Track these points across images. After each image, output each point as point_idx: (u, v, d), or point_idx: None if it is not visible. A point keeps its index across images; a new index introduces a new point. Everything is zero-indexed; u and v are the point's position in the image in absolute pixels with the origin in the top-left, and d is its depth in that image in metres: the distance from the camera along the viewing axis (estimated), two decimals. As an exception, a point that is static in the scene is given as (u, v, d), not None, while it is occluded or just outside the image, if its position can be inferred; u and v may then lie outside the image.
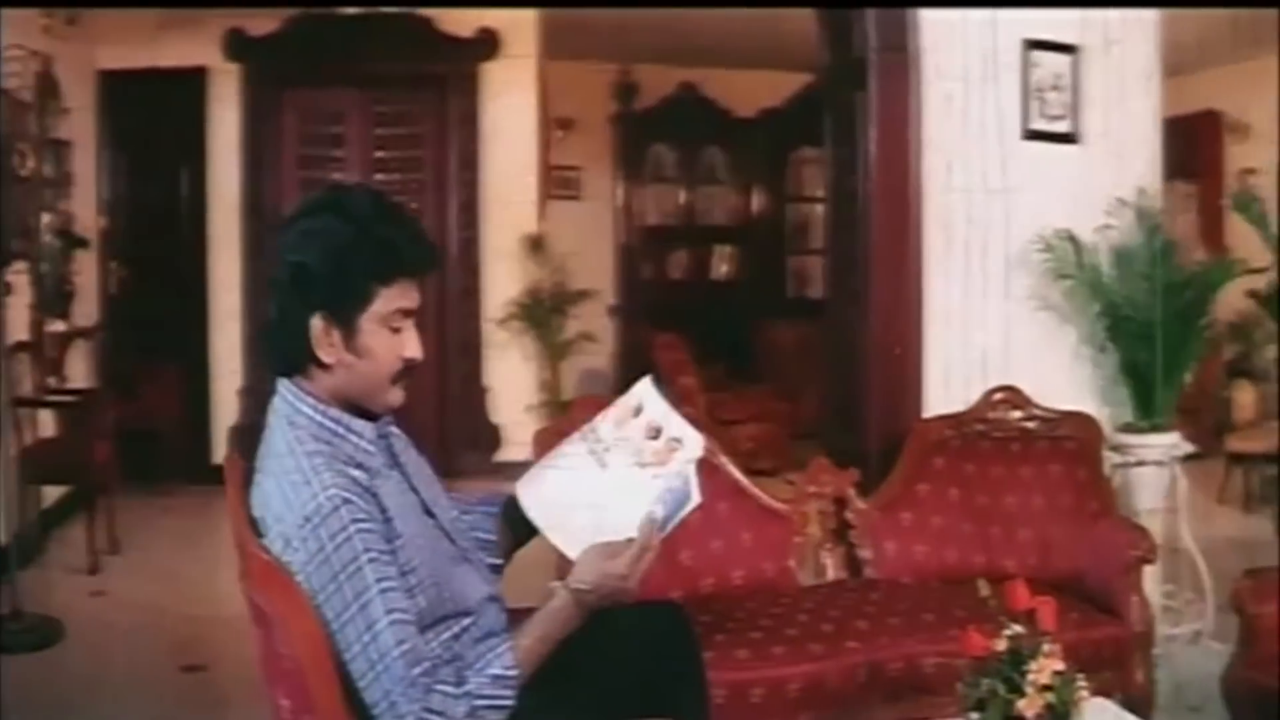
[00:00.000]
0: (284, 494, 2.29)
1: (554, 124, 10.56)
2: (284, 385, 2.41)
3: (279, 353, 2.41)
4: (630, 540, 2.43)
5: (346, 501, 2.26)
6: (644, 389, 2.63)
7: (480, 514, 2.72)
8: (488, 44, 9.00)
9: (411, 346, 2.42)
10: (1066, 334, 5.31)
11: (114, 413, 7.22)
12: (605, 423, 2.60)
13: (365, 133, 9.05)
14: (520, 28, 9.07)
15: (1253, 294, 5.96)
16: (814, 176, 12.34)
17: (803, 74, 11.46)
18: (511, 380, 9.18)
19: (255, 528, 2.35)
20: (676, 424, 2.59)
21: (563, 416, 4.69)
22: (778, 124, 11.84)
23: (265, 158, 8.83)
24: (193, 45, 8.65)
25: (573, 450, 2.60)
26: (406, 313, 2.41)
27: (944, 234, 5.19)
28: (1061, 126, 5.25)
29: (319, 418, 2.37)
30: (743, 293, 12.03)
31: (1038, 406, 4.88)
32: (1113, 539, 4.34)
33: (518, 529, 2.67)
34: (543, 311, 8.98)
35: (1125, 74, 5.36)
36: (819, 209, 12.30)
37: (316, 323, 2.32)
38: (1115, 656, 4.06)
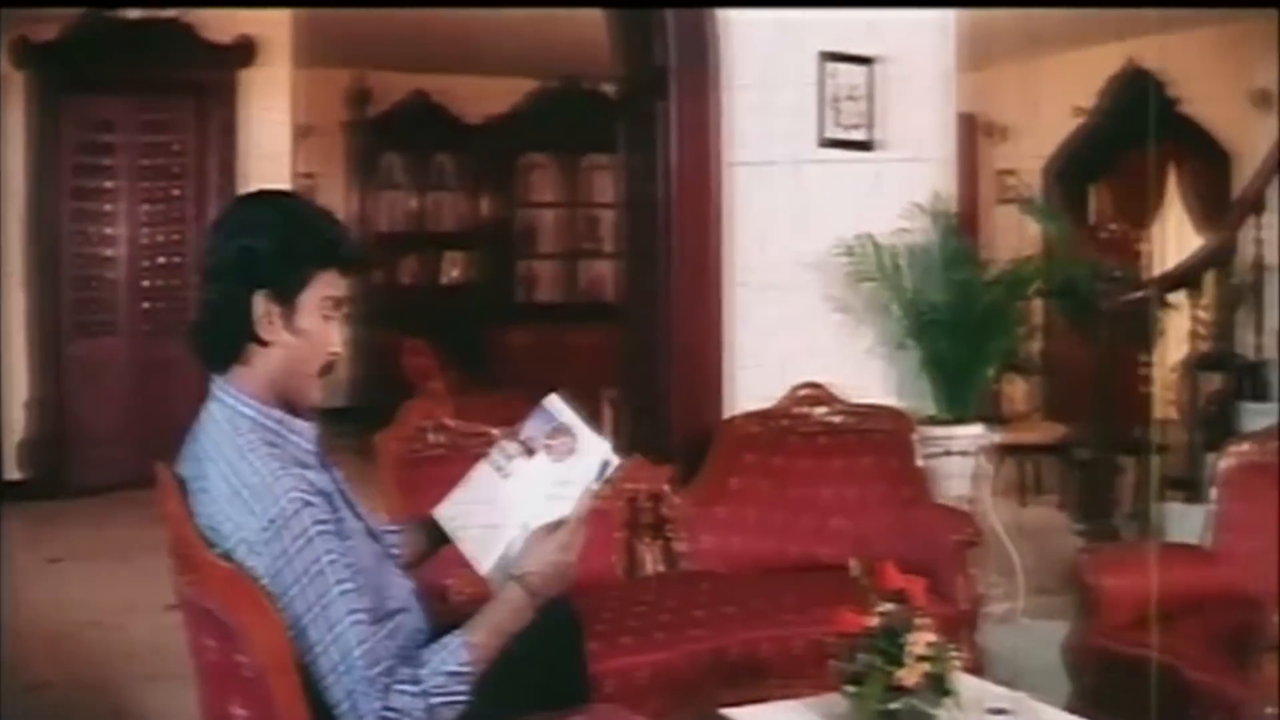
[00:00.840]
0: (243, 500, 2.29)
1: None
2: (221, 388, 2.42)
3: (216, 339, 2.42)
4: (558, 521, 2.52)
5: (307, 504, 2.28)
6: (550, 401, 2.72)
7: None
8: (245, 51, 8.87)
9: (337, 339, 2.48)
10: (863, 333, 5.58)
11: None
12: (511, 439, 2.69)
13: (134, 141, 8.86)
14: (276, 35, 8.98)
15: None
16: (542, 181, 12.61)
17: (529, 80, 11.73)
18: None
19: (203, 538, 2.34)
20: (576, 424, 2.69)
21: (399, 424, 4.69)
22: (506, 130, 11.99)
23: (44, 168, 8.58)
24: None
25: (480, 468, 2.70)
26: (336, 303, 2.46)
27: (744, 238, 5.38)
28: (858, 135, 5.51)
29: (263, 419, 2.39)
30: (473, 297, 12.10)
31: (843, 402, 5.10)
32: (935, 524, 4.60)
33: (434, 539, 2.73)
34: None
35: (919, 83, 5.66)
36: (547, 214, 12.57)
37: (259, 301, 2.37)
38: (944, 635, 4.30)
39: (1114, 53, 10.34)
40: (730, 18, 5.31)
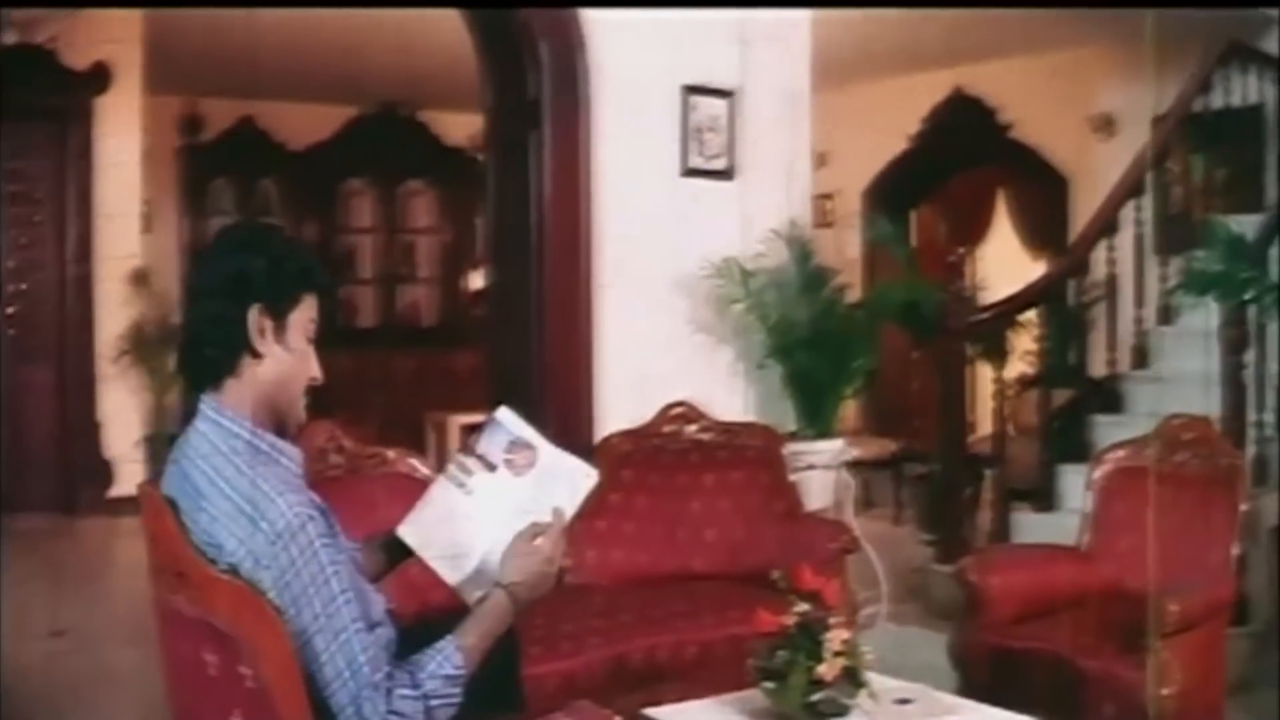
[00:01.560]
0: (248, 517, 2.37)
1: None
2: (212, 408, 2.49)
3: (210, 353, 2.51)
4: (536, 531, 2.65)
5: (311, 519, 2.39)
6: (502, 414, 2.85)
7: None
8: (101, 78, 8.86)
9: (315, 366, 2.60)
10: (724, 353, 5.84)
11: None
12: (468, 454, 2.80)
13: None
14: (129, 61, 9.00)
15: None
16: (360, 208, 12.64)
17: (348, 107, 11.79)
18: (124, 414, 9.07)
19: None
20: (534, 438, 2.82)
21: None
22: (327, 156, 12.06)
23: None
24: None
25: (439, 485, 2.79)
26: (316, 327, 2.59)
27: (612, 264, 5.60)
28: (719, 164, 5.78)
29: (256, 442, 2.48)
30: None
31: (713, 419, 5.31)
32: (811, 533, 4.85)
33: (394, 554, 2.84)
34: (149, 345, 8.82)
35: (777, 116, 5.96)
36: (366, 239, 12.60)
37: (253, 314, 2.47)
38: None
39: (946, 79, 10.74)
40: (599, 52, 5.53)
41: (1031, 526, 6.29)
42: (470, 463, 2.76)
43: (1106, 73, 9.48)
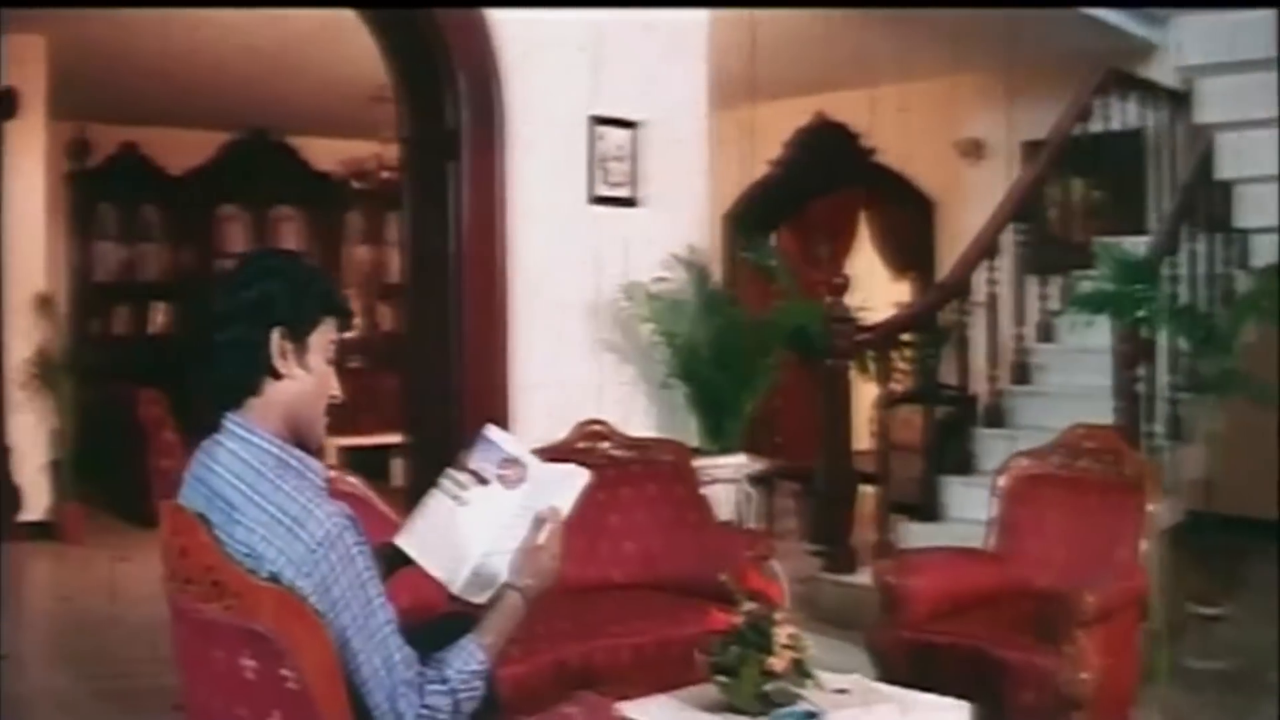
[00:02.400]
0: (286, 527, 2.52)
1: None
2: (238, 425, 2.64)
3: (231, 376, 2.66)
4: (537, 528, 2.84)
5: (346, 528, 2.56)
6: (492, 433, 3.03)
7: None
8: (7, 103, 8.74)
9: (335, 385, 2.76)
10: (629, 373, 6.11)
11: None
12: (460, 469, 2.97)
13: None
14: (34, 88, 8.96)
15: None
16: (235, 233, 12.67)
17: (222, 132, 11.84)
18: (31, 440, 9.01)
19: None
20: (523, 454, 3.04)
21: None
22: (203, 181, 12.15)
23: None
24: None
25: (434, 497, 2.96)
26: (335, 349, 2.75)
27: (525, 289, 5.84)
28: (623, 192, 6.06)
29: (285, 456, 2.63)
30: (176, 347, 12.01)
31: (625, 436, 5.54)
32: (726, 543, 5.11)
33: (392, 561, 3.02)
34: (54, 370, 8.83)
35: (678, 145, 6.26)
36: (238, 264, 12.62)
37: (275, 337, 2.63)
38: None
39: (810, 105, 11.07)
40: (512, 83, 5.77)
41: (917, 536, 6.62)
42: (463, 477, 2.92)
43: (976, 100, 9.84)
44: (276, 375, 2.65)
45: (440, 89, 5.65)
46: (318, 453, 2.78)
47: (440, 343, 5.78)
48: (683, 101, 6.32)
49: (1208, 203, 7.07)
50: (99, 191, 11.70)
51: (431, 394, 5.88)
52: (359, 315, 12.54)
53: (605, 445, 5.52)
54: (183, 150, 11.83)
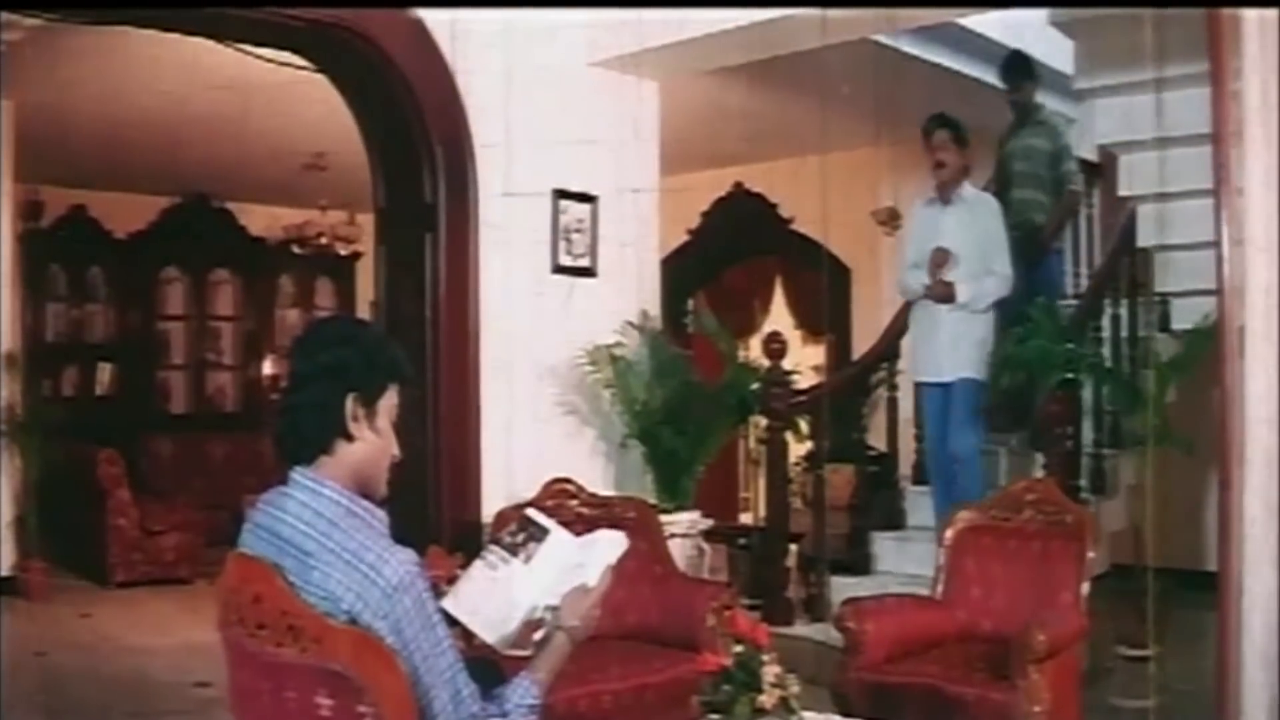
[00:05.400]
0: (362, 573, 2.74)
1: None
2: (308, 479, 2.85)
3: (306, 435, 2.87)
4: (582, 586, 3.17)
5: (418, 574, 2.79)
6: (532, 513, 3.35)
7: None
8: None
9: (396, 446, 2.99)
10: (586, 434, 6.44)
11: None
12: (499, 545, 3.28)
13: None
14: (4, 150, 9.13)
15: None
16: (175, 295, 12.85)
17: (165, 197, 12.04)
18: None
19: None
20: (562, 534, 3.33)
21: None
22: (146, 245, 12.36)
23: None
24: None
25: (478, 566, 3.27)
26: (397, 414, 2.99)
27: (494, 352, 6.18)
28: (583, 262, 6.43)
29: (355, 508, 2.85)
30: (121, 408, 12.17)
31: (591, 494, 5.83)
32: (694, 594, 5.39)
33: None
34: (17, 428, 9.00)
35: (633, 218, 6.67)
36: (179, 326, 12.80)
37: (349, 403, 2.85)
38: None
39: (730, 175, 11.48)
40: (482, 158, 6.14)
41: (849, 589, 6.75)
42: (502, 552, 3.26)
43: (893, 170, 10.10)
44: (349, 437, 2.86)
45: (418, 163, 5.98)
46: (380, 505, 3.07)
47: (416, 406, 6.04)
48: (634, 175, 6.71)
49: (1130, 268, 7.44)
50: (50, 252, 11.83)
51: (406, 455, 6.11)
52: (286, 380, 12.70)
53: (573, 503, 5.78)
54: (128, 213, 12.04)
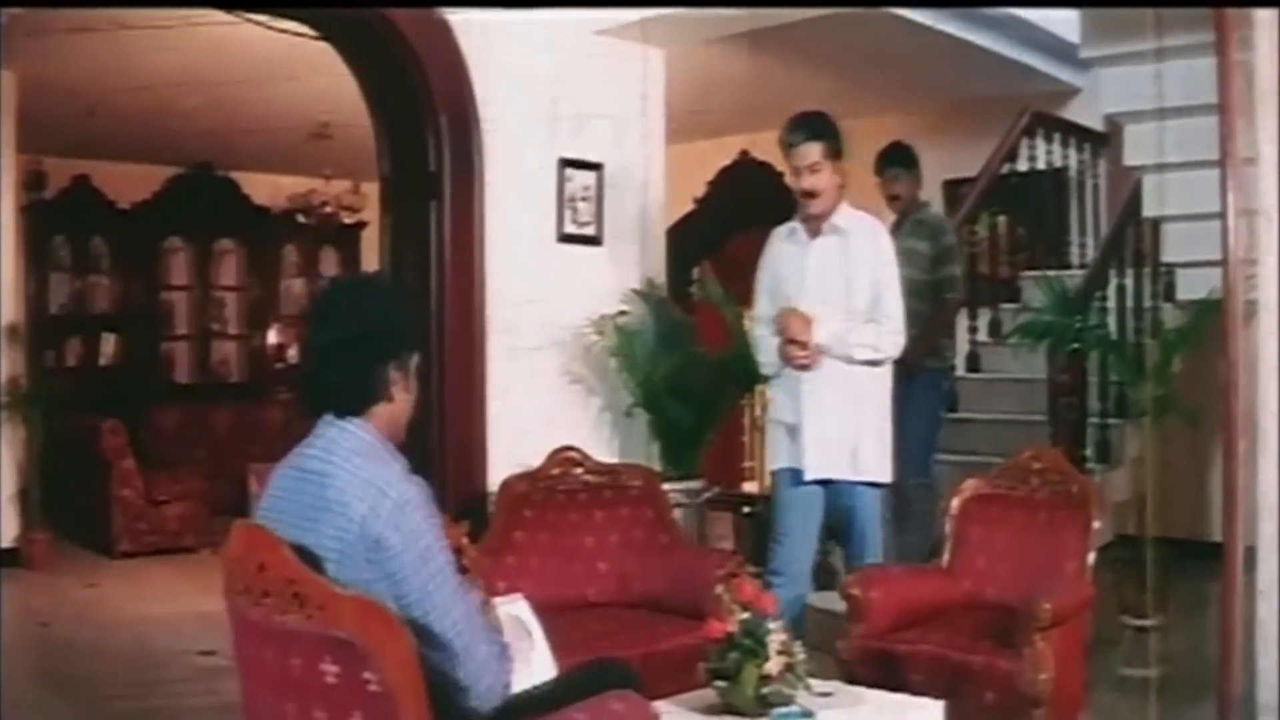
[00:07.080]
0: (378, 489, 2.81)
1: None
2: (348, 424, 2.92)
3: (352, 396, 2.94)
4: None
5: (426, 501, 2.89)
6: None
7: None
8: None
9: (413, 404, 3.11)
10: (593, 402, 6.43)
11: None
12: None
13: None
14: (6, 120, 9.06)
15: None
16: (179, 265, 12.81)
17: (169, 167, 12.01)
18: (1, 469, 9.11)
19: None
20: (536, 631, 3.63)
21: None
22: (149, 215, 12.30)
23: None
24: None
25: None
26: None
27: (500, 322, 6.17)
28: (589, 230, 6.42)
29: (376, 444, 2.94)
30: (126, 378, 12.17)
31: (596, 462, 5.83)
32: (698, 562, 5.42)
33: None
34: (21, 399, 9.01)
35: (639, 186, 6.65)
36: (183, 296, 12.79)
37: (390, 368, 2.97)
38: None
39: (736, 144, 11.39)
40: (488, 125, 6.11)
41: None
42: None
43: (900, 138, 10.20)
44: (391, 399, 2.98)
45: (423, 132, 5.96)
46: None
47: (421, 375, 6.04)
48: (642, 143, 6.73)
49: (1136, 239, 7.43)
50: (53, 223, 11.80)
51: (414, 422, 6.12)
52: (292, 345, 12.80)
53: (578, 471, 5.79)
54: (131, 184, 11.99)
